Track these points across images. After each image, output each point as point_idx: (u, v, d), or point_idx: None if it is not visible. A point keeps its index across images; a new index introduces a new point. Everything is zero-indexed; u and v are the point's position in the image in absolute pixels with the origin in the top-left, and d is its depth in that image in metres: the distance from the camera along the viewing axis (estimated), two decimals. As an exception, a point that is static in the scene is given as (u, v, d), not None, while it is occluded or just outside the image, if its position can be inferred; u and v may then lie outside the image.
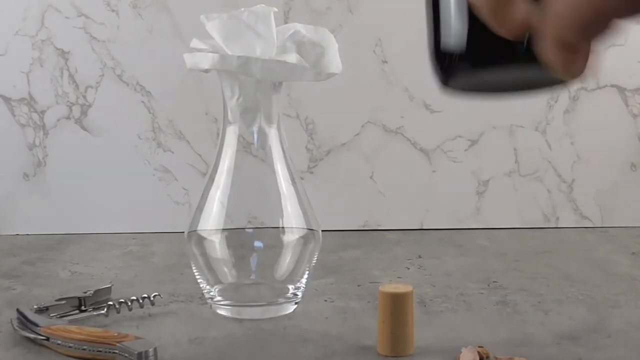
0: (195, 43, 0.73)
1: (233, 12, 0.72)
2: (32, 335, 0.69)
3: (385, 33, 1.08)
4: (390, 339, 0.66)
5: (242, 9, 0.72)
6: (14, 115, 1.08)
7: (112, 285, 0.79)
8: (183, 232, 0.76)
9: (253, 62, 0.69)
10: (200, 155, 1.09)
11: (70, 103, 1.08)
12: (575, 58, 0.36)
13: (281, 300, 0.76)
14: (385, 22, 1.08)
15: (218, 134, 0.77)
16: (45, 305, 0.73)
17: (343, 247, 1.01)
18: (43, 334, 0.68)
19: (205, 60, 0.70)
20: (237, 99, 0.73)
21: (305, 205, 0.76)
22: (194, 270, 0.77)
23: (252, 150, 0.75)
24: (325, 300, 0.80)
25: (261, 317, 0.75)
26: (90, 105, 1.08)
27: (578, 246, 1.02)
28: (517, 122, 1.09)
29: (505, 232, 1.09)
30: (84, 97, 1.08)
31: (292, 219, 0.75)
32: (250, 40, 0.71)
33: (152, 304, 0.77)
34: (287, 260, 0.75)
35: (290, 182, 0.76)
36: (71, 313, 0.75)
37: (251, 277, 0.76)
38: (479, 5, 0.39)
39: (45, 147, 1.09)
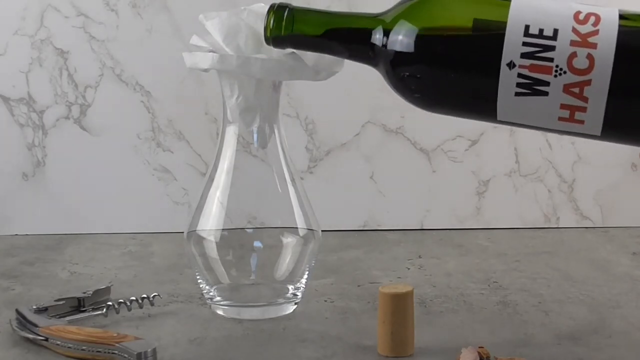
0: (195, 40, 0.72)
1: (233, 11, 0.72)
2: (31, 336, 0.69)
3: (385, 33, 1.08)
4: (391, 339, 0.66)
5: (243, 7, 0.71)
6: (13, 115, 1.08)
7: (112, 285, 0.79)
8: (182, 232, 0.76)
9: (252, 62, 0.69)
10: (199, 155, 1.09)
11: (70, 103, 1.08)
12: None
13: (281, 300, 0.76)
14: (385, 22, 1.07)
15: (218, 134, 0.77)
16: (44, 305, 0.73)
17: (343, 247, 1.01)
18: (42, 335, 0.68)
19: (205, 60, 0.70)
20: (237, 98, 0.72)
21: (305, 205, 0.76)
22: (194, 271, 0.77)
23: (252, 150, 0.75)
24: (325, 301, 0.80)
25: (261, 317, 0.75)
26: (89, 105, 1.08)
27: (578, 246, 1.01)
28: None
29: (506, 232, 1.08)
30: (83, 96, 1.08)
31: (292, 219, 0.75)
32: (250, 39, 0.70)
33: (152, 304, 0.77)
34: (287, 261, 0.75)
35: (290, 182, 0.76)
36: (70, 313, 0.75)
37: (251, 278, 0.76)
38: None
39: (44, 147, 1.09)
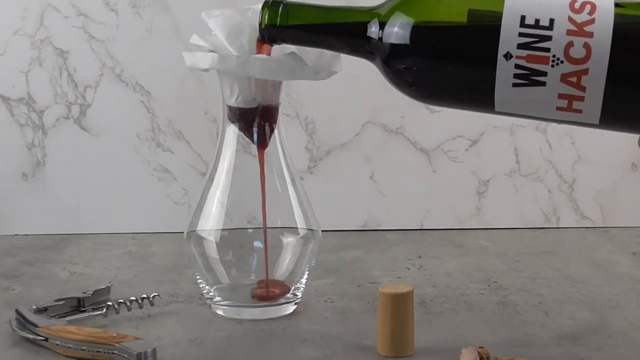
0: (194, 39, 0.72)
1: (236, 9, 0.71)
2: (31, 336, 0.69)
3: (385, 33, 1.07)
4: (391, 339, 0.66)
5: (247, 7, 0.71)
6: (12, 115, 1.08)
7: (111, 285, 0.79)
8: (182, 232, 0.76)
9: (252, 62, 0.68)
10: (199, 155, 1.09)
11: (69, 103, 1.08)
12: None
13: (281, 300, 0.76)
14: (385, 22, 1.07)
15: (218, 134, 0.77)
16: (44, 305, 0.73)
17: (343, 247, 1.01)
18: (42, 335, 0.68)
19: (205, 60, 0.70)
20: (237, 98, 0.72)
21: (305, 205, 0.76)
22: (194, 271, 0.77)
23: (252, 150, 0.75)
24: (325, 301, 0.80)
25: (261, 317, 0.75)
26: (89, 105, 1.08)
27: (579, 246, 1.01)
28: (518, 122, 1.09)
29: (506, 232, 1.08)
30: (83, 96, 1.08)
31: (292, 219, 0.75)
32: (254, 39, 0.70)
33: (152, 304, 0.77)
34: (287, 260, 0.75)
35: (290, 182, 0.76)
36: (70, 313, 0.75)
37: (251, 278, 0.76)
38: None
39: (44, 147, 1.08)
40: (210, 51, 0.71)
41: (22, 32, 1.07)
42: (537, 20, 0.56)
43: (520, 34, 0.56)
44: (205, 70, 0.71)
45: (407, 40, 0.59)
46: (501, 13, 0.56)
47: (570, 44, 0.55)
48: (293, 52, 0.70)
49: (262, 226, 0.74)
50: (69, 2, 1.06)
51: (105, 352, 0.64)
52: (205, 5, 0.75)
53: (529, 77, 0.56)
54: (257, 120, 0.73)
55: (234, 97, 0.72)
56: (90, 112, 1.08)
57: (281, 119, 0.75)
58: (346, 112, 1.09)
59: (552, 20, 0.55)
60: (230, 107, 0.73)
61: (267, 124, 0.74)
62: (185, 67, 0.72)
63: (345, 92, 1.07)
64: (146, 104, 1.08)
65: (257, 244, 0.74)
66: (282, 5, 0.65)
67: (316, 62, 0.71)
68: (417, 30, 0.59)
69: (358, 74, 1.07)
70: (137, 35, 1.07)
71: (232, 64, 0.69)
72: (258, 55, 0.69)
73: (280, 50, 0.70)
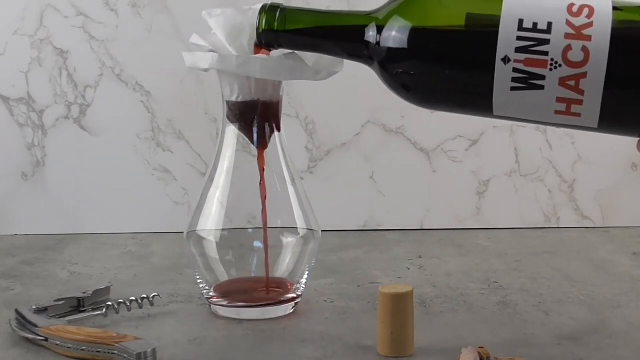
0: (194, 39, 0.72)
1: (237, 9, 0.71)
2: (30, 336, 0.69)
3: (385, 33, 1.07)
4: (391, 339, 0.66)
5: (248, 7, 0.71)
6: (12, 115, 1.08)
7: (111, 285, 0.79)
8: (182, 232, 0.76)
9: (252, 62, 0.68)
10: (199, 155, 1.09)
11: (69, 103, 1.08)
12: None
13: (280, 299, 0.76)
14: (385, 22, 1.07)
15: (217, 134, 0.77)
16: (44, 305, 0.73)
17: (343, 247, 1.01)
18: (42, 335, 0.68)
19: (205, 60, 0.70)
20: (237, 98, 0.72)
21: (305, 205, 0.76)
22: (194, 271, 0.77)
23: (252, 150, 0.75)
24: (325, 301, 0.80)
25: (261, 317, 0.75)
26: (89, 105, 1.08)
27: (579, 246, 1.01)
28: (518, 122, 1.09)
29: (506, 232, 1.08)
30: (83, 96, 1.08)
31: (292, 219, 0.75)
32: (252, 39, 0.70)
33: (152, 304, 0.77)
34: (287, 261, 0.75)
35: (290, 182, 0.76)
36: (70, 313, 0.75)
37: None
38: None
39: (44, 147, 1.08)
40: (210, 51, 0.71)
41: (22, 32, 1.07)
42: (535, 24, 0.56)
43: (519, 38, 0.56)
44: (205, 70, 0.71)
45: (405, 44, 0.59)
46: (499, 17, 0.56)
47: (568, 48, 0.55)
48: (293, 52, 0.70)
49: (262, 226, 0.74)
50: (69, 2, 1.06)
51: (105, 352, 0.64)
52: (205, 5, 0.75)
53: (527, 81, 0.56)
54: (257, 119, 0.73)
55: (234, 97, 0.72)
56: (90, 112, 1.08)
57: (281, 119, 0.75)
58: (346, 112, 1.09)
59: (550, 24, 0.55)
60: (230, 106, 0.73)
61: (267, 123, 0.74)
62: (185, 67, 0.72)
63: (345, 92, 1.07)
64: (146, 104, 1.08)
65: (257, 244, 0.74)
66: (279, 9, 0.65)
67: (316, 62, 0.71)
68: (415, 34, 0.59)
69: (358, 74, 1.07)
70: (137, 35, 1.07)
71: (232, 64, 0.69)
72: (258, 55, 0.69)
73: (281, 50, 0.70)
